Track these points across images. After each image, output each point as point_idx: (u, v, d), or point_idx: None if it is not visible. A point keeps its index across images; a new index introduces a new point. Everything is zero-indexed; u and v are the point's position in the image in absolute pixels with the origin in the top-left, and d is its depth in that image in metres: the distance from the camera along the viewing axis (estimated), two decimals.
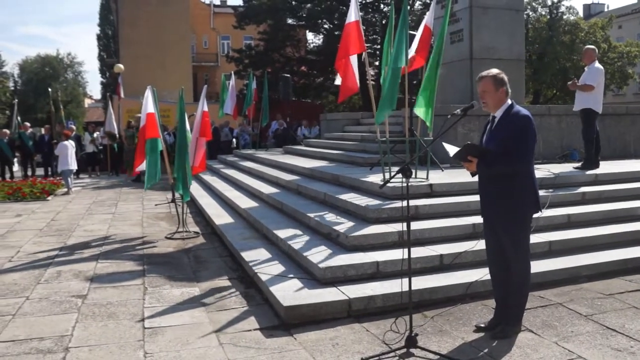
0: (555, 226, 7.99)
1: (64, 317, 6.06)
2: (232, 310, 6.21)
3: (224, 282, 7.35)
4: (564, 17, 41.74)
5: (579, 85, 10.47)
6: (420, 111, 9.10)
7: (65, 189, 17.66)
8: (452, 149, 5.21)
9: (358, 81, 9.50)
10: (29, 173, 22.99)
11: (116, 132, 23.32)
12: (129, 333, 5.58)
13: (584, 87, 10.38)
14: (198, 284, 7.28)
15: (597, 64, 10.55)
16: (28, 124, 25.35)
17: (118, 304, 6.50)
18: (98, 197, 16.41)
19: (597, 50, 11.00)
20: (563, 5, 42.23)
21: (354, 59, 9.36)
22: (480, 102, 5.26)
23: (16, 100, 25.85)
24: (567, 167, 10.67)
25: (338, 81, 9.69)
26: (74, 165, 18.04)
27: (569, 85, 10.79)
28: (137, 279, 7.52)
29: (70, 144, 17.79)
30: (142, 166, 10.51)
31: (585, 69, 10.68)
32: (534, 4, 42.27)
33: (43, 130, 24.73)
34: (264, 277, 6.71)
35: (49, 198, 16.05)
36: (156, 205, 14.06)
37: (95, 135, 24.18)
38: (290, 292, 6.12)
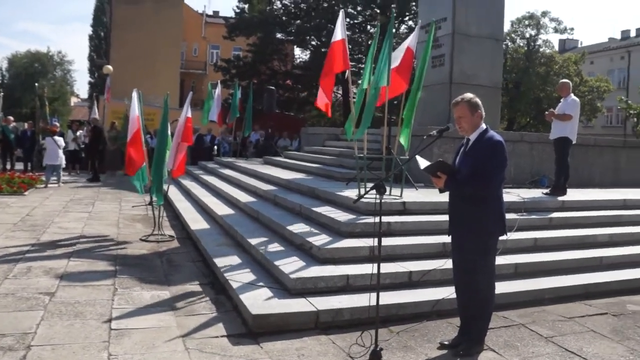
0: (522, 249, 8.17)
1: (29, 314, 6.01)
2: (201, 316, 6.23)
3: (195, 287, 7.37)
4: (541, 49, 43.29)
5: (558, 114, 10.75)
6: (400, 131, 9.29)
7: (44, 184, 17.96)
8: (423, 163, 5.33)
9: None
10: (8, 167, 22.93)
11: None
12: (94, 333, 5.55)
13: (563, 117, 10.68)
14: (169, 287, 7.29)
15: (573, 96, 10.95)
16: (11, 118, 25.32)
17: (86, 303, 6.48)
18: (76, 195, 16.35)
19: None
20: (540, 38, 43.93)
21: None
22: (457, 127, 5.39)
23: (2, 93, 25.74)
24: (537, 193, 10.87)
25: (320, 101, 9.72)
26: (57, 161, 18.42)
27: (546, 116, 11.10)
28: (108, 280, 7.51)
29: (55, 140, 18.24)
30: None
31: (562, 100, 11.01)
32: (513, 35, 43.56)
33: (26, 125, 24.74)
34: (234, 284, 6.76)
35: (26, 193, 16.01)
36: (133, 206, 14.05)
37: (77, 133, 24.17)
38: (260, 301, 6.17)
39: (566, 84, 11.24)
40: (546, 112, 11.40)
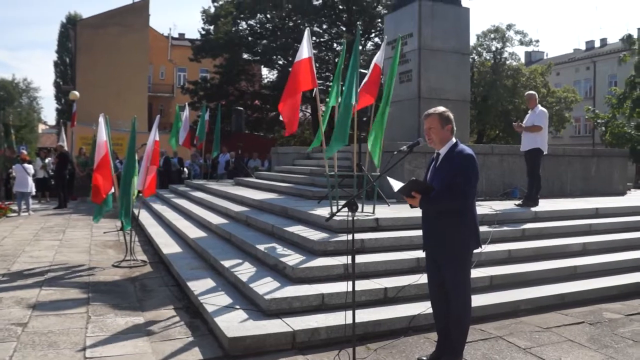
0: (497, 261, 8.20)
1: (2, 346, 5.89)
2: (176, 341, 6.15)
3: (169, 311, 7.29)
4: (507, 62, 43.78)
5: (528, 126, 10.86)
6: (369, 147, 9.30)
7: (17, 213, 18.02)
8: (396, 184, 5.32)
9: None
10: None
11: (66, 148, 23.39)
12: None
13: (533, 128, 10.81)
14: (143, 313, 7.20)
15: (541, 107, 11.10)
16: None
17: (60, 332, 6.37)
18: (47, 223, 16.18)
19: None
20: (506, 51, 44.44)
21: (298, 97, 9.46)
22: (426, 139, 5.40)
23: None
24: (509, 205, 10.97)
25: (288, 127, 9.76)
26: (27, 189, 18.41)
27: (516, 128, 11.20)
28: (81, 307, 7.40)
29: (24, 167, 18.26)
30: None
31: (529, 112, 11.14)
32: (479, 48, 44.08)
33: None
34: (209, 308, 6.69)
35: None
36: (105, 232, 13.91)
37: (46, 161, 23.97)
38: (235, 323, 6.11)
39: (532, 95, 11.39)
40: (514, 124, 11.53)
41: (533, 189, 10.89)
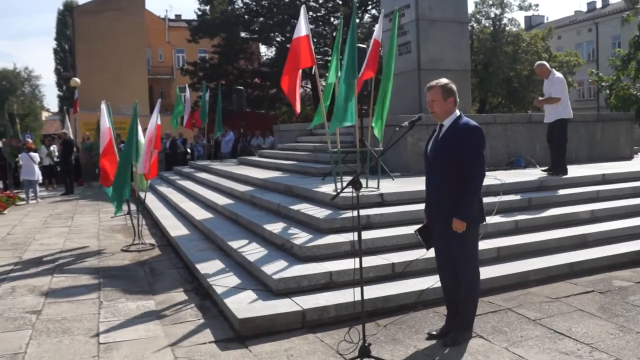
0: (504, 232, 8.16)
1: (18, 334, 5.97)
2: (188, 323, 6.20)
3: (179, 294, 7.34)
4: (507, 28, 42.97)
5: (547, 99, 10.74)
6: (373, 122, 9.26)
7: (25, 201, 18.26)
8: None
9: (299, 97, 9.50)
10: None
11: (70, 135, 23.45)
12: (83, 349, 5.51)
13: (551, 100, 10.67)
14: (154, 296, 7.25)
15: (556, 74, 10.87)
16: None
17: (73, 319, 6.43)
18: (55, 210, 16.28)
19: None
20: (505, 17, 43.49)
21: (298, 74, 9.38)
22: (429, 112, 5.38)
23: None
24: (514, 174, 10.93)
25: (297, 103, 9.72)
26: (34, 177, 18.54)
27: (536, 103, 11.10)
28: (93, 293, 7.46)
29: (30, 155, 18.45)
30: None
31: (545, 81, 10.96)
32: (478, 16, 43.36)
33: (0, 144, 24.48)
34: (218, 289, 6.72)
35: (5, 212, 15.92)
36: (112, 217, 13.95)
37: (51, 148, 24.03)
38: (245, 304, 6.14)
39: (542, 65, 11.12)
40: (534, 102, 11.43)
41: (564, 157, 10.72)
